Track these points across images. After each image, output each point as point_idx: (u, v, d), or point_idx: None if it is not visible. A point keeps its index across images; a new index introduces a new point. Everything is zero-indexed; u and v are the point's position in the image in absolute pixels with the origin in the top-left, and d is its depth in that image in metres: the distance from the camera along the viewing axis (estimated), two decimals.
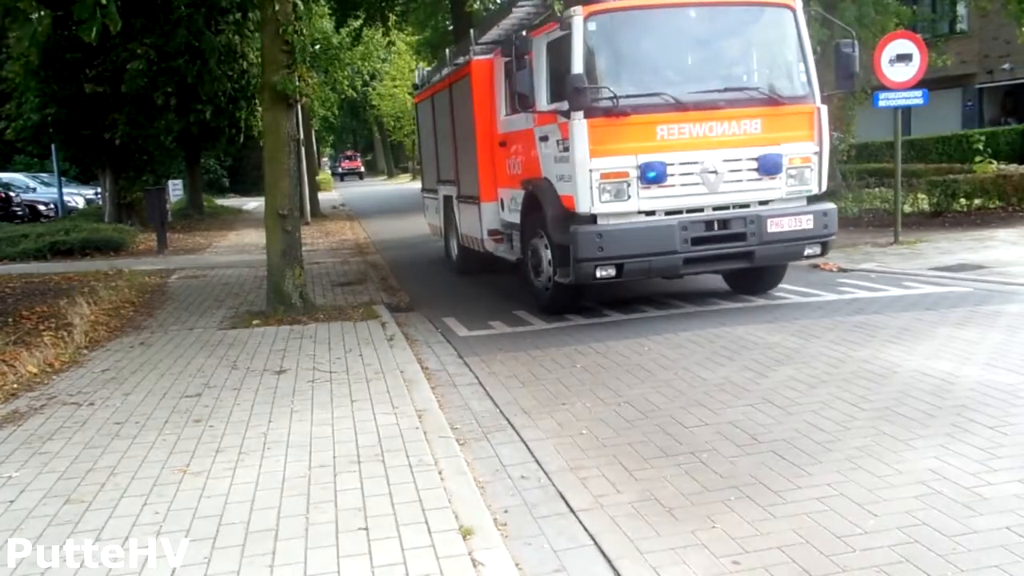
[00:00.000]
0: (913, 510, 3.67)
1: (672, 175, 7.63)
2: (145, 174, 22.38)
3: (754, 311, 8.20)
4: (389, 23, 28.58)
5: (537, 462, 4.56)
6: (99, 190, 23.63)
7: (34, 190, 27.25)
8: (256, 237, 17.45)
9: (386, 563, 3.31)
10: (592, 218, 7.62)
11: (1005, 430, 4.55)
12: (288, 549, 3.47)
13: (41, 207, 24.78)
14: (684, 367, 6.26)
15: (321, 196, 30.52)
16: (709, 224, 7.77)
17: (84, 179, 30.59)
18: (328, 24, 29.88)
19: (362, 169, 72.04)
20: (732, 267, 8.33)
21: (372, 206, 31.07)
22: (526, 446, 4.82)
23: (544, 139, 8.26)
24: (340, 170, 70.95)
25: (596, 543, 3.58)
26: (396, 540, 3.50)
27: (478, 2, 30.58)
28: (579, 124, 7.49)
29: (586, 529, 3.71)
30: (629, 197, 7.58)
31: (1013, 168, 16.61)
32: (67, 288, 11.05)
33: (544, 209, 8.09)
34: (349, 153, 77.18)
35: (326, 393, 5.84)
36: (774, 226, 7.83)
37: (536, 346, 7.30)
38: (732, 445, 4.60)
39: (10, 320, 8.83)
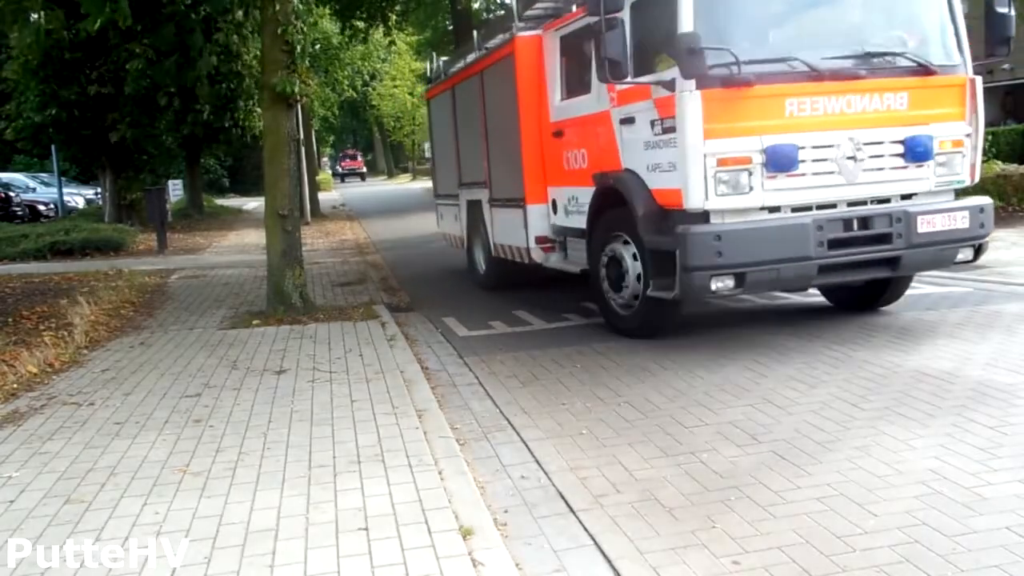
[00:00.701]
0: (913, 510, 3.67)
1: (803, 161, 6.25)
2: (145, 174, 22.41)
3: (754, 311, 8.20)
4: (390, 23, 28.60)
5: (537, 462, 4.56)
6: (99, 190, 23.66)
7: (34, 190, 27.27)
8: (256, 237, 17.45)
9: (386, 563, 3.31)
10: (704, 216, 6.27)
11: (1005, 430, 4.55)
12: (288, 549, 3.47)
13: (41, 207, 24.80)
14: (684, 367, 6.26)
15: (321, 196, 30.54)
16: (848, 223, 6.39)
17: (84, 179, 30.61)
18: (329, 24, 29.91)
19: (364, 169, 68.70)
20: (872, 276, 6.82)
21: (372, 206, 31.08)
22: (526, 446, 4.82)
23: (628, 121, 6.92)
24: (340, 170, 67.97)
25: (596, 543, 3.57)
26: (396, 540, 3.50)
27: (478, 2, 30.62)
28: (691, 97, 6.08)
29: (586, 529, 3.71)
30: (751, 189, 6.18)
31: (1013, 168, 16.62)
32: (67, 288, 11.06)
33: (632, 207, 6.76)
34: (350, 152, 73.03)
35: (326, 393, 5.84)
36: (925, 225, 6.48)
37: (536, 346, 7.30)
38: (732, 445, 4.60)
39: (10, 320, 8.83)
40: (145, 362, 7.08)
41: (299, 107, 15.52)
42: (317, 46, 30.35)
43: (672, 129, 6.30)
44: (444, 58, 12.75)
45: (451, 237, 12.31)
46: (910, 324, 7.16)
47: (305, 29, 9.54)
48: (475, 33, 10.97)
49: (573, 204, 8.11)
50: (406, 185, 53.24)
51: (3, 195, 24.08)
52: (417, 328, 8.41)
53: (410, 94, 57.65)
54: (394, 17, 28.79)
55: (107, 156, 20.35)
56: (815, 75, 6.30)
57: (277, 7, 8.81)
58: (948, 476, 4.00)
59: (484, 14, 34.01)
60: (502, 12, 34.63)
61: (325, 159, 66.05)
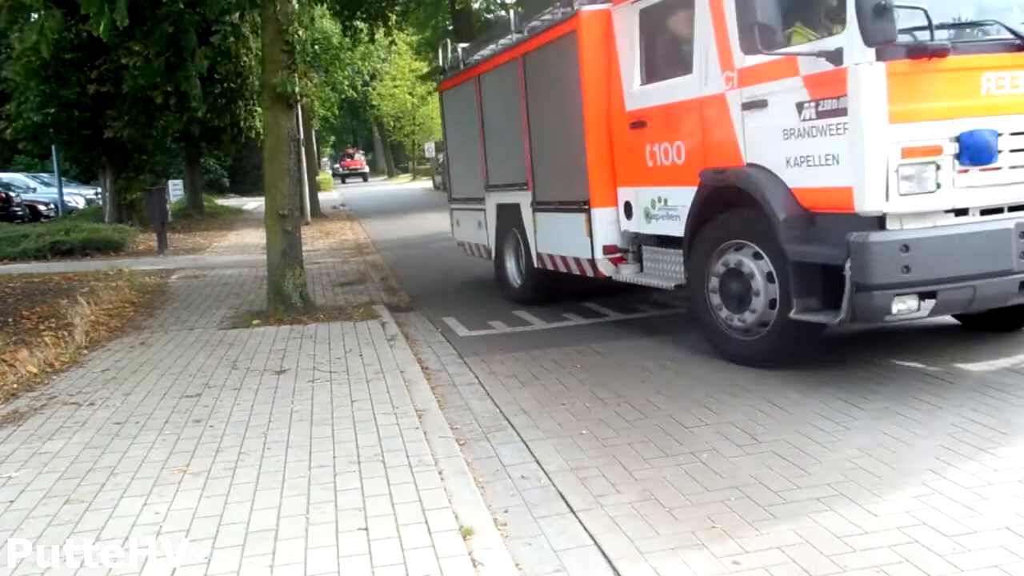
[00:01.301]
0: (913, 510, 3.67)
1: (1002, 151, 5.14)
2: (145, 174, 22.40)
3: None
4: (390, 23, 28.60)
5: (537, 462, 4.55)
6: (99, 190, 23.64)
7: (34, 190, 27.26)
8: (256, 237, 17.45)
9: (386, 563, 3.31)
10: (877, 221, 5.12)
11: (1005, 430, 4.55)
12: (288, 549, 3.47)
13: (41, 207, 24.79)
14: (684, 367, 6.26)
15: (321, 196, 30.54)
16: None
17: (84, 179, 30.61)
18: (329, 24, 29.92)
19: (366, 169, 64.85)
20: None
21: (372, 206, 31.09)
22: (526, 446, 4.82)
23: (756, 106, 5.77)
24: (341, 170, 64.47)
25: (596, 543, 3.57)
26: (396, 540, 3.49)
27: (477, 1, 30.63)
28: (870, 71, 4.94)
29: (586, 529, 3.71)
30: (938, 187, 5.07)
31: None
32: (67, 288, 11.06)
33: (768, 210, 5.63)
34: (351, 151, 67.95)
35: (326, 393, 5.83)
36: None
37: (536, 346, 7.30)
38: (732, 445, 4.60)
39: (10, 320, 8.84)
40: (145, 362, 7.08)
41: (299, 107, 15.52)
42: (317, 46, 30.34)
43: (835, 112, 5.18)
44: (463, 45, 11.25)
45: (472, 246, 10.98)
46: (911, 326, 7.14)
47: (303, 31, 9.47)
48: (511, 13, 9.95)
49: (659, 207, 6.98)
50: (406, 185, 53.25)
51: (3, 195, 24.08)
52: (417, 328, 8.41)
53: (410, 94, 57.69)
54: (394, 17, 28.79)
55: (107, 156, 20.35)
56: (1016, 44, 5.15)
57: (277, 7, 8.81)
58: (948, 476, 4.00)
59: (484, 14, 34.05)
60: (503, 13, 34.73)
61: (325, 159, 65.54)
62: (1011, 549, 3.28)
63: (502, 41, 9.46)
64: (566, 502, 4.01)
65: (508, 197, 9.45)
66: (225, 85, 20.14)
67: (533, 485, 4.25)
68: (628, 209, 7.42)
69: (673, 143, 6.73)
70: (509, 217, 9.48)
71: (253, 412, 5.46)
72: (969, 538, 3.39)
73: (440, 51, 12.09)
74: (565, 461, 4.54)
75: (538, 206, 8.69)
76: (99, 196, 23.81)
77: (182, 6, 15.73)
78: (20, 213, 23.72)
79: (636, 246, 7.51)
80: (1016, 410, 4.85)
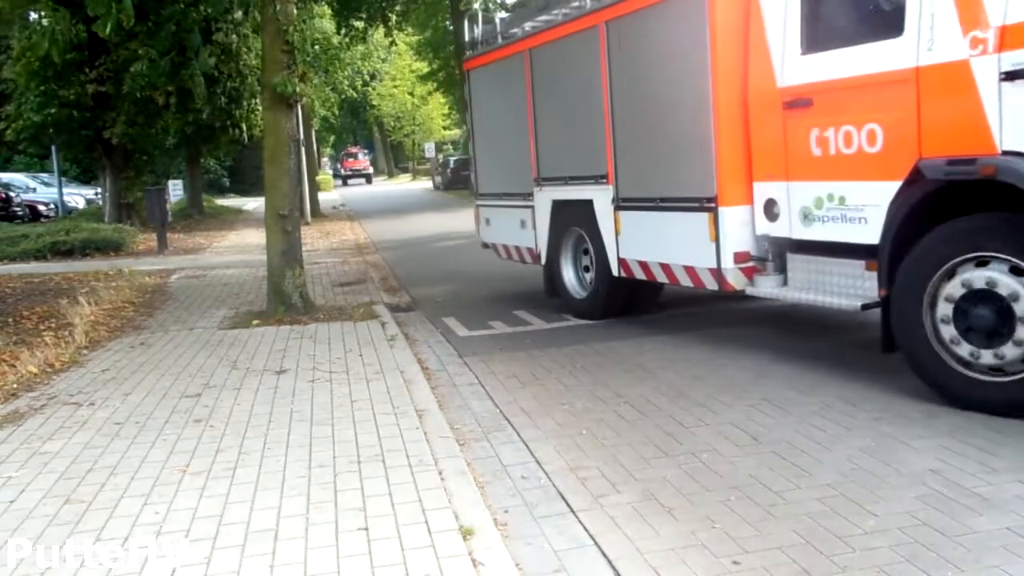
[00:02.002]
0: (913, 510, 3.67)
1: None
2: (145, 174, 22.42)
3: (754, 312, 8.19)
4: (390, 24, 28.60)
5: (537, 462, 4.55)
6: (99, 190, 23.66)
7: (34, 190, 27.29)
8: (256, 237, 17.45)
9: (386, 563, 3.31)
10: None
11: (1005, 430, 4.55)
12: (288, 549, 3.47)
13: (41, 207, 24.81)
14: (684, 367, 6.26)
15: (321, 196, 30.56)
16: None
17: (84, 179, 30.64)
18: (328, 24, 29.93)
19: (370, 170, 59.62)
20: None
21: (372, 206, 31.11)
22: (526, 446, 4.82)
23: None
24: (342, 171, 59.41)
25: (596, 543, 3.57)
26: (396, 540, 3.50)
27: (477, 1, 30.61)
28: None
29: (586, 529, 3.71)
30: None
31: None
32: (67, 288, 11.07)
33: None
34: (353, 150, 62.75)
35: (326, 393, 5.84)
36: None
37: (536, 346, 7.30)
38: (732, 445, 4.60)
39: (10, 320, 8.85)
40: (145, 362, 7.08)
41: (299, 107, 15.53)
42: (317, 46, 30.35)
43: None
44: (502, 14, 10.39)
45: (509, 248, 9.69)
46: None
47: (306, 32, 9.47)
48: None
49: (829, 206, 5.73)
50: (406, 185, 53.29)
51: (3, 195, 24.10)
52: (417, 328, 8.41)
53: (410, 94, 57.73)
54: (394, 17, 28.79)
55: (107, 156, 20.37)
56: None
57: (277, 7, 8.81)
58: (948, 476, 3.99)
59: (484, 13, 33.93)
60: (502, 13, 34.75)
61: (325, 159, 65.04)
62: (1011, 549, 3.28)
63: (568, 7, 8.14)
64: (566, 502, 4.01)
65: (571, 192, 8.23)
66: (227, 85, 20.15)
67: (533, 485, 4.25)
68: (770, 208, 6.15)
69: (861, 126, 5.43)
70: (571, 216, 8.34)
71: (253, 412, 5.46)
72: (969, 538, 3.39)
73: (467, 23, 10.69)
74: (565, 461, 4.54)
75: (624, 203, 7.48)
76: (99, 196, 23.83)
77: (183, 6, 15.75)
78: (20, 213, 23.75)
79: (778, 254, 6.24)
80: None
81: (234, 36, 18.84)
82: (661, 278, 7.20)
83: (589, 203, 7.92)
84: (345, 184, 55.18)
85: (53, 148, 22.16)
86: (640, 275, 7.43)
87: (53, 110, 19.31)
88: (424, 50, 41.62)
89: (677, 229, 6.80)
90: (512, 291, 10.19)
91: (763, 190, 6.22)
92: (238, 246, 17.90)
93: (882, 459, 4.26)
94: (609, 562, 3.41)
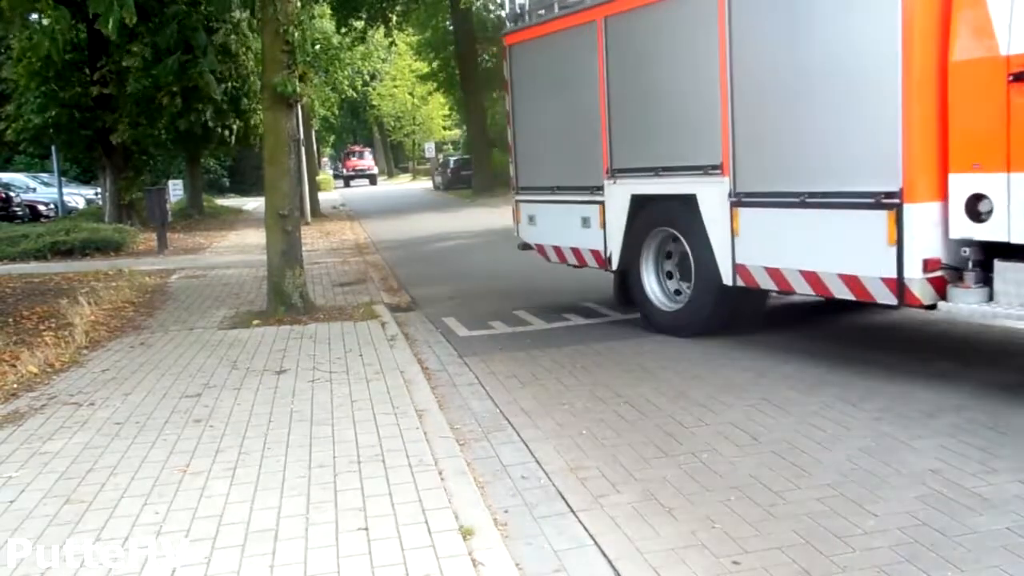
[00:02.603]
0: (913, 510, 3.67)
1: None
2: (145, 174, 22.43)
3: None
4: (390, 24, 28.63)
5: (537, 462, 4.55)
6: (99, 190, 23.68)
7: (34, 190, 27.31)
8: (256, 237, 17.45)
9: (386, 563, 3.31)
10: None
11: (1005, 430, 4.55)
12: (288, 549, 3.47)
13: (41, 207, 24.82)
14: (684, 367, 6.26)
15: (321, 196, 30.56)
16: None
17: (84, 179, 30.65)
18: (329, 24, 29.95)
19: (375, 170, 55.64)
20: None
21: (372, 206, 31.13)
22: (526, 446, 4.82)
23: None
24: (344, 172, 55.44)
25: (596, 543, 3.57)
26: (396, 540, 3.50)
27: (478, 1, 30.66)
28: None
29: (586, 529, 3.71)
30: None
31: None
32: (67, 288, 11.07)
33: None
34: (356, 149, 58.60)
35: (326, 393, 5.83)
36: None
37: (536, 346, 7.30)
38: (732, 445, 4.60)
39: (10, 320, 8.85)
40: (145, 362, 7.08)
41: (299, 107, 15.53)
42: (317, 46, 30.37)
43: None
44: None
45: (562, 250, 8.56)
46: (910, 324, 7.15)
47: (306, 32, 9.45)
48: None
49: None
50: (406, 185, 53.31)
51: (3, 195, 24.11)
52: (417, 328, 8.41)
53: (410, 94, 57.75)
54: (394, 17, 28.81)
55: (107, 156, 20.38)
56: None
57: (277, 7, 8.81)
58: (948, 476, 4.00)
59: (484, 13, 34.06)
60: (503, 12, 34.78)
61: (325, 159, 64.84)
62: (1011, 549, 3.29)
63: None
64: (566, 502, 4.01)
65: (660, 185, 7.19)
66: (227, 85, 20.16)
67: (533, 485, 4.25)
68: (976, 206, 5.02)
69: None
70: (659, 214, 7.32)
71: (253, 412, 5.46)
72: (969, 538, 3.39)
73: None
74: (565, 461, 4.54)
75: (746, 199, 6.37)
76: (99, 196, 23.85)
77: (185, 5, 15.76)
78: (20, 213, 23.76)
79: (977, 262, 5.15)
80: (1016, 410, 4.85)
81: (232, 36, 18.86)
82: (802, 289, 6.05)
83: (689, 199, 6.81)
84: (347, 185, 52.09)
85: (53, 148, 22.16)
86: (767, 285, 6.31)
87: (54, 111, 19.33)
88: (424, 50, 41.67)
89: (835, 230, 5.69)
90: (512, 291, 10.18)
91: (966, 183, 5.05)
92: (238, 246, 17.90)
93: (882, 459, 4.26)
94: (609, 562, 3.41)
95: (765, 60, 6.13)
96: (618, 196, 7.64)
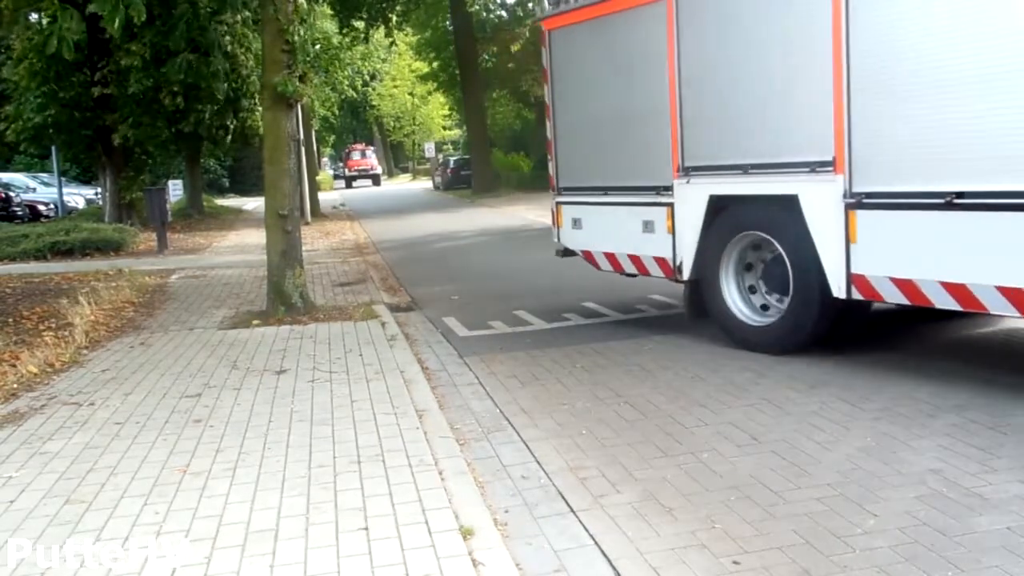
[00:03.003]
0: (913, 510, 3.67)
1: None
2: (145, 174, 22.43)
3: None
4: (390, 24, 28.64)
5: (537, 462, 4.56)
6: (99, 190, 23.68)
7: (34, 190, 27.31)
8: (256, 237, 17.45)
9: (386, 563, 3.31)
10: None
11: (1005, 430, 4.55)
12: (288, 549, 3.47)
13: (41, 207, 24.81)
14: (684, 367, 6.26)
15: (321, 196, 30.57)
16: None
17: (84, 179, 30.65)
18: (330, 25, 29.97)
19: (378, 170, 52.74)
20: None
21: (372, 206, 31.13)
22: (526, 446, 4.82)
23: None
24: (346, 172, 52.51)
25: (596, 543, 3.57)
26: (396, 540, 3.50)
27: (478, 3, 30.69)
28: None
29: (586, 529, 3.71)
30: None
31: None
32: (67, 288, 11.07)
33: None
34: (359, 147, 55.07)
35: (326, 393, 5.84)
36: None
37: (536, 346, 7.30)
38: (732, 445, 4.60)
39: (10, 320, 8.85)
40: (145, 362, 7.08)
41: (299, 107, 15.54)
42: (317, 46, 30.40)
43: None
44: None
45: (617, 257, 7.72)
46: (910, 325, 7.15)
47: (304, 32, 9.41)
48: None
49: None
50: (406, 185, 53.32)
51: (3, 195, 24.11)
52: (417, 328, 8.41)
53: (410, 94, 57.79)
54: (395, 17, 28.82)
55: (107, 156, 20.39)
56: None
57: (277, 6, 8.81)
58: (948, 476, 4.00)
59: (484, 13, 34.09)
60: (502, 13, 34.84)
61: (325, 159, 64.80)
62: (1011, 549, 3.29)
63: None
64: (566, 502, 4.01)
65: (749, 185, 6.39)
66: (228, 84, 20.17)
67: (533, 485, 4.25)
68: None
69: None
70: (746, 216, 6.55)
71: (253, 412, 5.46)
72: (969, 538, 3.39)
73: None
74: (565, 461, 4.54)
75: (867, 200, 5.57)
76: (99, 196, 23.85)
77: (189, 4, 15.76)
78: (20, 213, 23.74)
79: None
80: (1016, 410, 4.85)
81: (228, 37, 18.87)
82: (943, 303, 5.25)
83: (789, 200, 6.03)
84: (349, 186, 49.46)
85: (53, 148, 22.16)
86: (894, 298, 5.52)
87: (54, 111, 19.32)
88: (424, 50, 41.70)
89: (996, 236, 4.88)
90: (512, 291, 10.18)
91: None
92: (238, 246, 17.89)
93: (882, 459, 4.26)
94: (609, 562, 3.41)
95: (896, 34, 5.12)
96: (692, 197, 6.79)
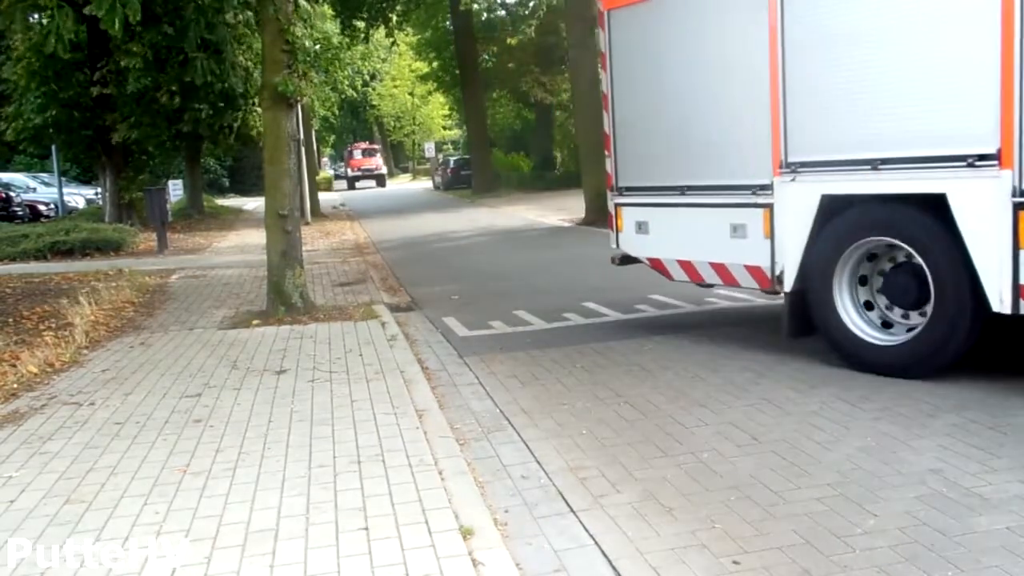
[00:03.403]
0: (913, 510, 3.67)
1: None
2: (145, 174, 22.44)
3: (753, 311, 8.20)
4: (391, 24, 28.66)
5: (537, 462, 4.56)
6: (99, 190, 23.68)
7: (34, 190, 27.31)
8: (256, 237, 17.45)
9: (386, 563, 3.31)
10: None
11: (1005, 430, 4.55)
12: (288, 549, 3.47)
13: (41, 207, 24.81)
14: (684, 367, 6.26)
15: (321, 196, 30.58)
16: None
17: (84, 179, 30.65)
18: (331, 25, 29.98)
19: (383, 170, 49.25)
20: None
21: (372, 206, 31.13)
22: (526, 446, 4.82)
23: None
24: (349, 173, 49.24)
25: (596, 543, 3.57)
26: (396, 540, 3.50)
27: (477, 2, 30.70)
28: None
29: (586, 529, 3.71)
30: None
31: None
32: (67, 288, 11.07)
33: None
34: (363, 146, 51.93)
35: (326, 393, 5.84)
36: None
37: (536, 346, 7.30)
38: (732, 445, 4.60)
39: (11, 320, 8.85)
40: (145, 362, 7.08)
41: (299, 107, 15.54)
42: (317, 46, 30.40)
43: None
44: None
45: (695, 266, 6.95)
46: None
47: (302, 31, 9.39)
48: None
49: None
50: (406, 185, 53.30)
51: (3, 195, 24.10)
52: (417, 328, 8.41)
53: (410, 94, 57.81)
54: (395, 17, 28.84)
55: (107, 156, 20.39)
56: None
57: (277, 6, 8.81)
58: (948, 476, 4.00)
59: (484, 14, 34.09)
60: (502, 12, 34.85)
61: (325, 159, 64.76)
62: (1011, 549, 3.29)
63: None
64: (566, 502, 4.01)
65: (885, 183, 5.51)
66: (227, 84, 20.17)
67: (533, 485, 4.25)
68: None
69: None
70: (872, 219, 5.72)
71: (253, 412, 5.46)
72: (969, 538, 3.40)
73: None
74: (565, 461, 4.54)
75: None
76: (99, 196, 23.85)
77: (195, 4, 15.78)
78: (20, 213, 23.74)
79: None
80: (1016, 410, 4.85)
81: (231, 37, 18.89)
82: None
83: (934, 200, 5.24)
84: (352, 187, 46.38)
85: (53, 148, 22.16)
86: None
87: (54, 111, 19.33)
88: (424, 50, 41.72)
89: None
90: (512, 291, 10.18)
91: None
92: (238, 246, 17.90)
93: (882, 459, 4.26)
94: (609, 562, 3.41)
95: None
96: (799, 197, 5.96)
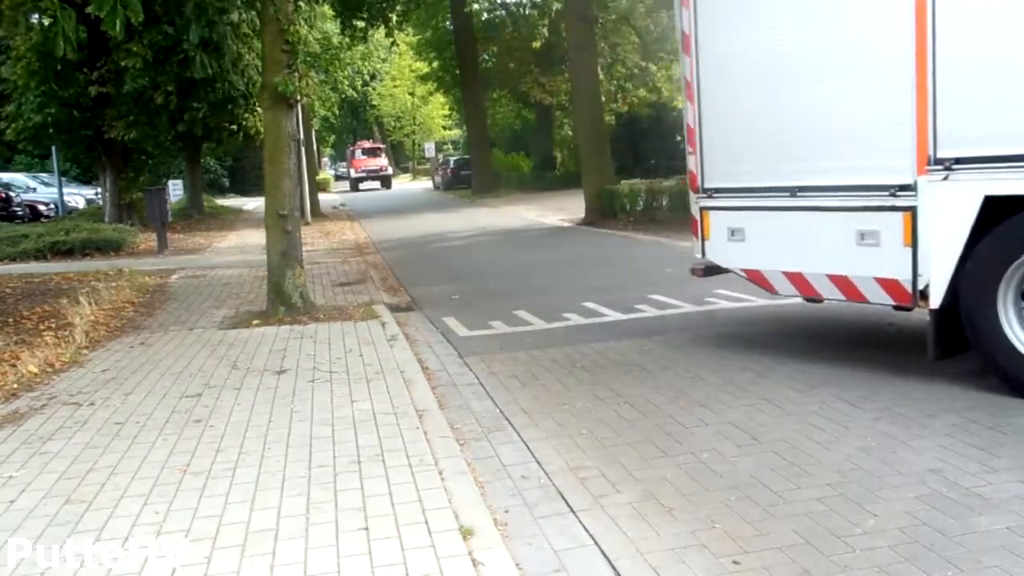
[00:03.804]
0: (913, 510, 3.67)
1: None
2: (145, 174, 22.44)
3: (753, 311, 8.20)
4: (391, 24, 28.68)
5: (537, 462, 4.56)
6: (99, 190, 23.69)
7: (34, 190, 27.32)
8: (256, 237, 17.45)
9: (386, 563, 3.31)
10: None
11: (1005, 430, 4.55)
12: (288, 549, 3.47)
13: (41, 207, 24.83)
14: (684, 367, 6.26)
15: (321, 196, 30.58)
16: None
17: (84, 179, 30.66)
18: (332, 26, 30.01)
19: (389, 171, 46.61)
20: None
21: (372, 206, 31.13)
22: (526, 446, 4.82)
23: None
24: (352, 173, 46.06)
25: (596, 543, 3.57)
26: (396, 540, 3.50)
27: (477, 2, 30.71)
28: None
29: (586, 529, 3.71)
30: None
31: None
32: (67, 288, 11.07)
33: None
34: (366, 145, 48.97)
35: (326, 393, 5.84)
36: None
37: (536, 346, 7.30)
38: (732, 445, 4.60)
39: (11, 320, 8.85)
40: (145, 362, 7.08)
41: (299, 107, 15.53)
42: (318, 46, 30.42)
43: None
44: None
45: (810, 279, 6.06)
46: (909, 325, 7.15)
47: (302, 31, 9.38)
48: None
49: None
50: (406, 185, 53.29)
51: (3, 195, 24.11)
52: (417, 328, 8.41)
53: (410, 94, 57.83)
54: (395, 17, 28.86)
55: (107, 156, 20.40)
56: None
57: (277, 6, 8.81)
58: (948, 476, 4.00)
59: (484, 14, 34.09)
60: (502, 12, 34.84)
61: (325, 159, 64.77)
62: (1011, 549, 3.29)
63: None
64: (566, 502, 4.01)
65: None
66: (226, 84, 20.17)
67: (533, 485, 4.25)
68: None
69: None
70: None
71: (253, 412, 5.46)
72: (969, 538, 3.40)
73: None
74: (565, 461, 4.54)
75: None
76: (99, 196, 23.85)
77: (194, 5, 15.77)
78: (20, 213, 23.75)
79: None
80: (1016, 410, 4.85)
81: (231, 36, 18.88)
82: None
83: None
84: (355, 189, 43.51)
85: (53, 148, 22.17)
86: None
87: (53, 110, 19.33)
88: (424, 50, 41.71)
89: None
90: (512, 291, 10.18)
91: None
92: (238, 246, 17.90)
93: (882, 459, 4.26)
94: (609, 562, 3.41)
95: None
96: (953, 199, 5.06)
